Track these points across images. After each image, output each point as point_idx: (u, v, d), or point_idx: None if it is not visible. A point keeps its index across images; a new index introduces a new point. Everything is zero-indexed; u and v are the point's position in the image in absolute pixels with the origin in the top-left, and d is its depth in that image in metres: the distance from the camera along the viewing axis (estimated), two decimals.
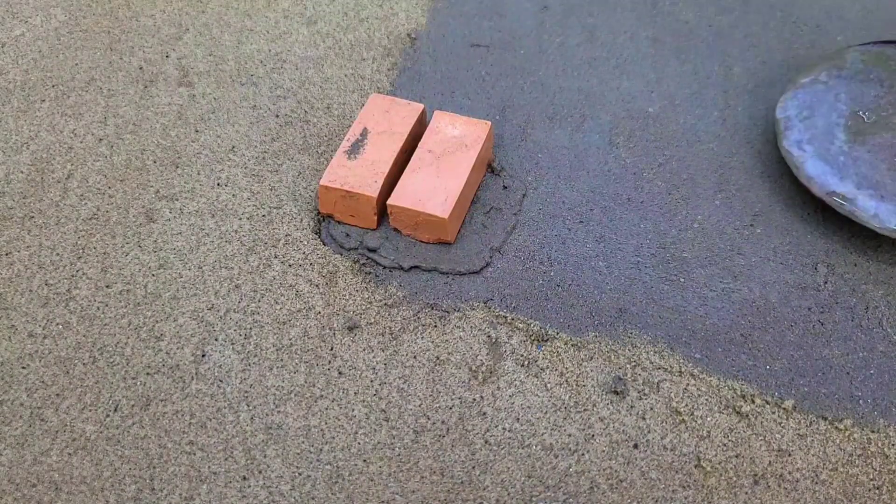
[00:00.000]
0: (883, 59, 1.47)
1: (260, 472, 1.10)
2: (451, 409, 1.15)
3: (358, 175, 1.31)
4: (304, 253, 1.32)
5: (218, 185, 1.41)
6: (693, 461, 1.11)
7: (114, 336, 1.22)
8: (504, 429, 1.13)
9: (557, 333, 1.22)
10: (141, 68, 1.59)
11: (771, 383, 1.17)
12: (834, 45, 1.61)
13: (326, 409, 1.15)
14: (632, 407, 1.15)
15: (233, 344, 1.21)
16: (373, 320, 1.24)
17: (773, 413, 1.15)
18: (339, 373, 1.18)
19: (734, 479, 1.09)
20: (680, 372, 1.18)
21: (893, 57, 1.48)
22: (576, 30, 1.67)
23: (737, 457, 1.11)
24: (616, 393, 1.16)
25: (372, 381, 1.18)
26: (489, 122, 1.38)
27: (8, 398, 1.16)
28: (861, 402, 1.16)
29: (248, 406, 1.15)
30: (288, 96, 1.54)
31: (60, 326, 1.23)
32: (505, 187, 1.40)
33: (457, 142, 1.36)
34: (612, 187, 1.41)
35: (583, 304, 1.26)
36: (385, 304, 1.26)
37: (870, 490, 1.08)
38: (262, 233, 1.34)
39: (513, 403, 1.15)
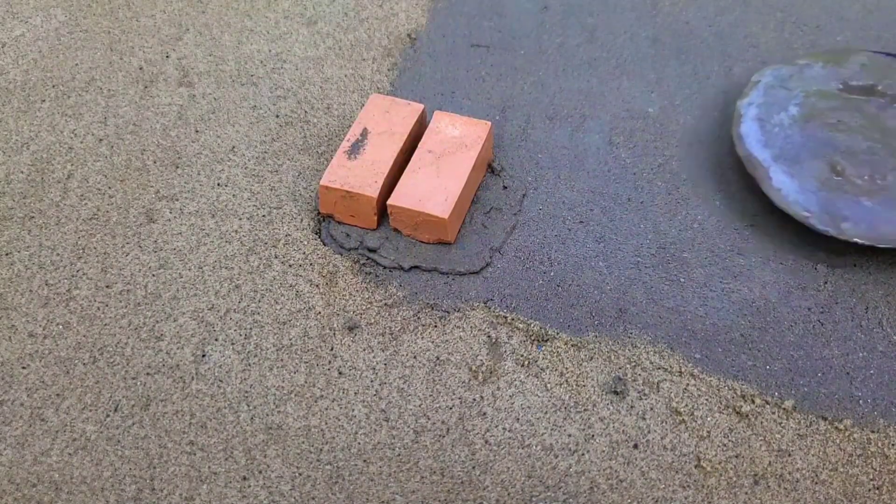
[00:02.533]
0: (887, 70, 1.47)
1: (260, 472, 1.10)
2: (451, 409, 1.15)
3: (358, 175, 1.31)
4: (304, 253, 1.32)
5: (218, 185, 1.41)
6: (693, 461, 1.11)
7: (114, 336, 1.22)
8: (504, 429, 1.13)
9: (557, 333, 1.22)
10: (141, 68, 1.59)
11: (771, 383, 1.18)
12: (834, 46, 1.61)
13: (326, 409, 1.15)
14: (632, 407, 1.15)
15: (233, 344, 1.21)
16: (373, 320, 1.24)
17: (773, 413, 1.15)
18: (339, 373, 1.19)
19: (734, 479, 1.09)
20: (680, 372, 1.18)
21: None
22: (576, 30, 1.67)
23: (737, 457, 1.11)
24: (616, 393, 1.16)
25: (372, 381, 1.18)
26: (489, 123, 1.38)
27: (8, 398, 1.16)
28: (861, 402, 1.16)
29: (249, 406, 1.15)
30: (288, 96, 1.54)
31: (60, 326, 1.23)
32: (505, 187, 1.40)
33: (457, 142, 1.36)
34: (612, 187, 1.41)
35: (583, 304, 1.26)
36: (385, 304, 1.26)
37: (870, 490, 1.08)
38: (263, 233, 1.34)
39: (513, 403, 1.15)
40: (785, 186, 1.31)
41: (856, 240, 1.25)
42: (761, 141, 1.37)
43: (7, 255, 1.31)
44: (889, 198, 1.29)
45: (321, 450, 1.12)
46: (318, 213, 1.37)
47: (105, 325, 1.23)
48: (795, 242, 1.33)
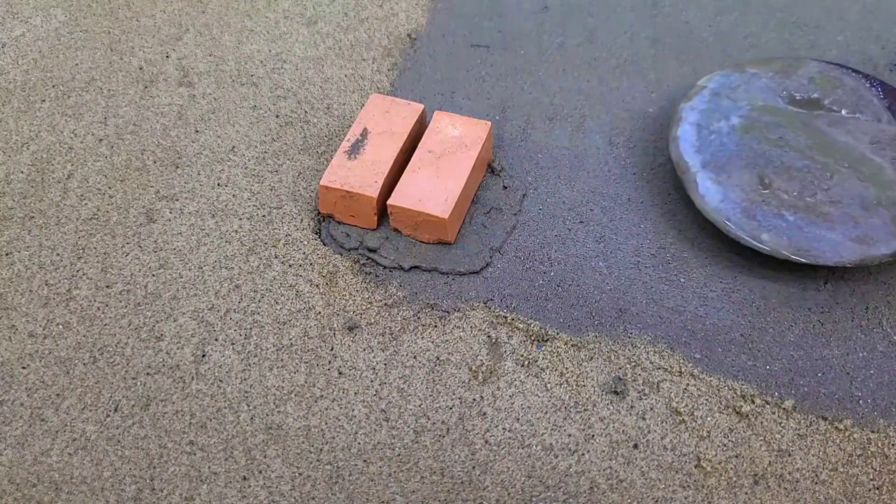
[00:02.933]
0: (833, 82, 1.45)
1: (260, 472, 1.10)
2: (451, 409, 1.15)
3: (358, 175, 1.31)
4: (304, 253, 1.32)
5: (218, 185, 1.41)
6: (693, 461, 1.11)
7: (114, 336, 1.22)
8: (504, 429, 1.13)
9: (557, 333, 1.22)
10: (141, 68, 1.59)
11: (771, 383, 1.18)
12: (834, 46, 1.61)
13: (326, 409, 1.15)
14: (632, 407, 1.15)
15: (233, 344, 1.21)
16: (373, 320, 1.24)
17: (773, 413, 1.15)
18: (339, 373, 1.19)
19: (734, 479, 1.09)
20: (680, 372, 1.18)
21: (847, 84, 1.45)
22: (576, 30, 1.67)
23: (737, 457, 1.11)
24: (616, 393, 1.16)
25: (372, 381, 1.18)
26: (489, 123, 1.38)
27: (8, 398, 1.16)
28: (861, 402, 1.16)
29: (249, 406, 1.15)
30: (288, 96, 1.54)
31: (60, 326, 1.23)
32: (505, 187, 1.40)
33: (457, 142, 1.36)
34: (612, 187, 1.41)
35: (583, 304, 1.26)
36: (385, 304, 1.26)
37: (870, 490, 1.08)
38: (262, 233, 1.34)
39: (513, 403, 1.15)
40: (709, 193, 1.30)
41: (772, 249, 1.24)
42: (694, 146, 1.36)
43: (7, 255, 1.31)
44: (814, 214, 1.28)
45: (321, 450, 1.12)
46: (318, 213, 1.37)
47: (105, 325, 1.23)
48: None
